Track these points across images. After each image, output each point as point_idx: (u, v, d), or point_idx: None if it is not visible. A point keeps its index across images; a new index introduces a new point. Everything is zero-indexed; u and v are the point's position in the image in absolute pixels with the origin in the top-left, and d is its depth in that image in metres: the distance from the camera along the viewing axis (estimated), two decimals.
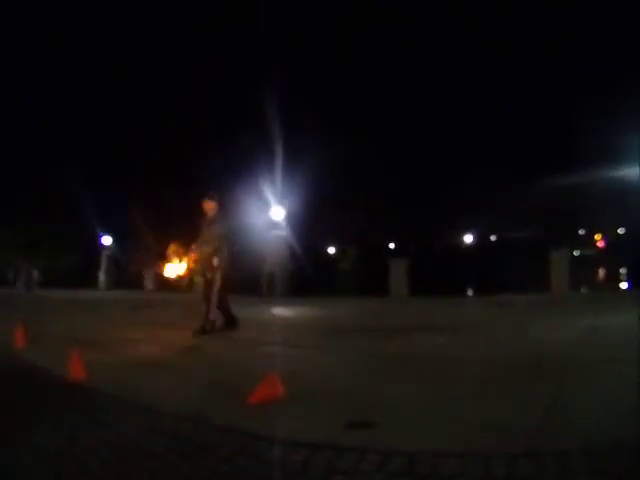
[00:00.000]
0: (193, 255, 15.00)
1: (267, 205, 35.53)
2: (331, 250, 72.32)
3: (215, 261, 14.05)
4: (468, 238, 79.81)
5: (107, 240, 52.81)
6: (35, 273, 51.82)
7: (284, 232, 34.86)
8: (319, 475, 4.51)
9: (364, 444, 5.11)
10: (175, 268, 14.03)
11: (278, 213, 35.08)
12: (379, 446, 5.03)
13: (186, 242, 15.24)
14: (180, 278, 14.23)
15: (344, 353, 10.73)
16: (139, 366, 10.03)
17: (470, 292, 30.40)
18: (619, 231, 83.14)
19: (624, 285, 35.64)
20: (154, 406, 6.94)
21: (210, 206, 14.65)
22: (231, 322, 14.64)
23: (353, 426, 5.73)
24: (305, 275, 34.55)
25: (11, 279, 45.68)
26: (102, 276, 51.76)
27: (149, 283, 45.23)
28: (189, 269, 15.08)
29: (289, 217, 35.98)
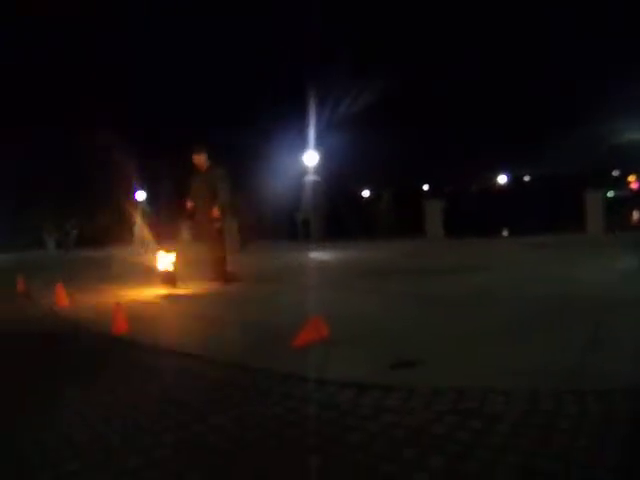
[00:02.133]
0: (190, 211, 14.74)
1: (301, 150, 35.45)
2: (366, 193, 72.06)
3: (215, 212, 13.96)
4: (502, 179, 79.26)
5: (141, 195, 53.04)
6: (73, 233, 52.28)
7: (318, 177, 34.80)
8: (368, 414, 4.55)
9: (411, 383, 5.16)
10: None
11: (312, 158, 35.00)
12: (426, 384, 5.07)
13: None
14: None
15: (384, 295, 10.74)
16: (179, 317, 10.22)
17: (505, 233, 30.22)
18: None
19: None
20: (199, 355, 7.02)
21: (201, 159, 14.52)
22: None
23: (399, 365, 5.76)
24: (340, 219, 34.52)
25: (46, 241, 46.01)
26: (137, 231, 52.09)
27: (184, 234, 45.53)
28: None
29: (323, 162, 35.90)
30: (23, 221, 52.56)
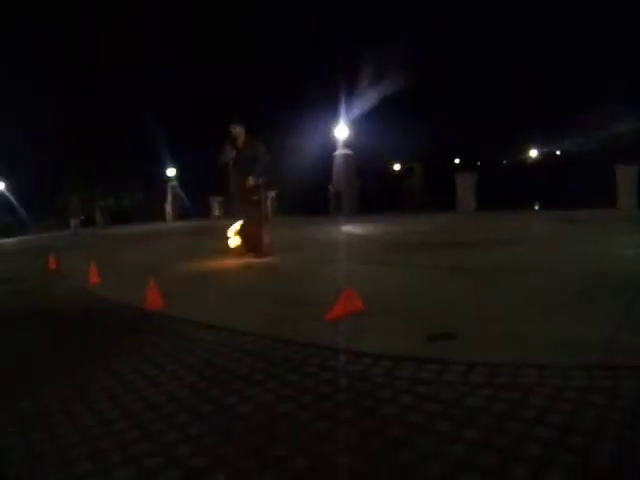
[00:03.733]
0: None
1: (332, 124, 35.41)
2: (397, 167, 71.82)
3: (251, 180, 13.98)
4: (533, 152, 78.60)
5: (171, 172, 53.20)
6: (107, 210, 52.72)
7: (349, 151, 34.78)
8: (404, 386, 4.57)
9: (446, 356, 5.18)
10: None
11: (343, 132, 34.97)
12: (460, 358, 5.09)
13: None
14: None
15: (416, 268, 10.76)
16: (212, 290, 10.24)
17: (537, 207, 30.09)
18: None
19: None
20: (234, 327, 7.06)
21: (238, 130, 14.53)
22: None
23: (434, 339, 5.78)
24: (372, 193, 34.50)
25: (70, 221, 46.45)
26: (168, 208, 52.38)
27: (216, 210, 45.74)
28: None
29: (354, 135, 35.85)
30: (53, 202, 52.96)
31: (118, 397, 5.02)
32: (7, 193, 55.60)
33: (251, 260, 13.69)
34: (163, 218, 51.99)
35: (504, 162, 71.09)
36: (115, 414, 4.63)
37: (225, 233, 14.95)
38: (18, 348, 7.35)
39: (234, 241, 14.33)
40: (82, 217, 49.47)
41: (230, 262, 13.73)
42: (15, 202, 52.10)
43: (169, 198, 53.04)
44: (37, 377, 5.90)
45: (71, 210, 40.76)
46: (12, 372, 6.25)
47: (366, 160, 38.03)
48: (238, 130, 14.32)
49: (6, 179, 57.33)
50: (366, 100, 41.12)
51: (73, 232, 36.54)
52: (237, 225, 14.37)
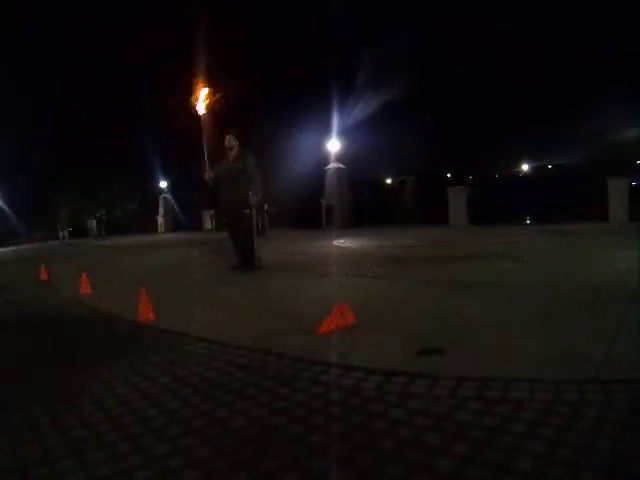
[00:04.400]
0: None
1: (324, 137, 35.52)
2: (389, 180, 72.03)
3: (251, 198, 13.91)
4: (525, 166, 78.99)
5: (163, 184, 53.32)
6: (93, 223, 52.71)
7: (341, 164, 34.87)
8: (394, 400, 4.59)
9: (436, 370, 5.21)
10: None
11: (335, 145, 35.07)
12: (451, 372, 5.12)
13: None
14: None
15: (408, 282, 10.77)
16: (204, 303, 10.24)
17: (528, 221, 30.20)
18: None
19: None
20: (226, 341, 7.07)
21: (234, 143, 14.49)
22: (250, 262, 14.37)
23: (424, 353, 5.81)
24: (364, 206, 34.57)
25: (58, 232, 46.54)
26: (160, 220, 52.49)
27: (208, 223, 45.86)
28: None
29: (346, 149, 35.96)
30: (43, 214, 53.06)
31: (109, 409, 5.02)
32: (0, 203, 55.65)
33: (243, 273, 13.70)
34: (155, 230, 52.05)
35: (496, 176, 71.28)
36: (106, 426, 4.63)
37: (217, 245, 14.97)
38: (5, 359, 7.35)
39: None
40: (70, 228, 49.61)
41: (222, 276, 13.74)
42: (7, 211, 52.10)
43: (161, 210, 53.15)
44: (26, 388, 5.91)
45: (60, 221, 40.82)
46: (4, 384, 6.23)
47: (358, 173, 38.13)
48: (233, 143, 14.31)
49: None
50: (358, 113, 41.26)
51: (62, 242, 36.56)
52: None
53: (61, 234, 40.95)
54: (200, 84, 14.76)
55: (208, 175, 14.50)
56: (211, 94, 14.72)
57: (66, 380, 6.00)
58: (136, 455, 4.04)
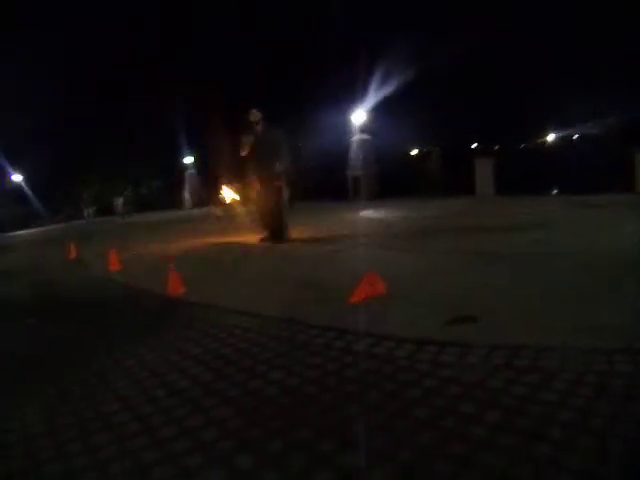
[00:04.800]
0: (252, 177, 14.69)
1: (350, 109, 35.37)
2: (414, 152, 71.66)
3: (278, 167, 14.02)
4: (551, 136, 78.23)
5: (189, 159, 53.29)
6: (120, 201, 52.96)
7: (367, 135, 34.73)
8: (426, 369, 4.62)
9: (467, 339, 5.23)
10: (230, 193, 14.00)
11: (360, 117, 34.92)
12: (481, 341, 5.13)
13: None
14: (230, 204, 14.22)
15: (437, 253, 10.71)
16: (234, 275, 10.31)
17: (555, 191, 29.93)
18: None
19: None
20: (256, 312, 7.12)
21: (258, 115, 14.45)
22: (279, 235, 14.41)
23: (455, 321, 5.83)
24: (390, 177, 34.41)
25: (83, 211, 46.86)
26: (187, 195, 52.56)
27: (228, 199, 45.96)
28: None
29: (371, 120, 35.79)
30: (68, 193, 53.35)
31: (141, 381, 5.11)
32: (24, 185, 55.88)
33: (272, 245, 13.75)
34: (181, 206, 52.12)
35: (522, 146, 70.61)
36: (139, 399, 4.70)
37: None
38: (44, 335, 7.43)
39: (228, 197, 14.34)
40: (94, 207, 49.83)
41: (250, 248, 13.80)
42: (31, 194, 52.27)
43: (187, 186, 53.16)
44: (62, 363, 6.00)
45: (84, 201, 41.07)
46: (37, 358, 6.33)
47: (384, 144, 37.87)
48: (256, 116, 14.30)
49: (23, 171, 57.60)
50: (384, 86, 41.04)
51: (87, 221, 36.79)
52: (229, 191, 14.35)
53: (86, 213, 41.18)
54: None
55: (243, 149, 14.50)
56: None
57: (100, 357, 6.05)
58: (169, 426, 4.11)
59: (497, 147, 63.22)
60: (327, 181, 35.88)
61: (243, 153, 14.50)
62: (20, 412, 4.70)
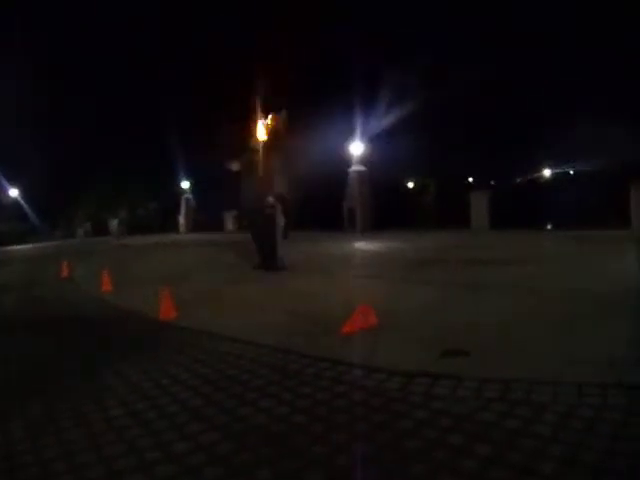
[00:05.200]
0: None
1: (347, 140, 35.47)
2: (410, 184, 71.91)
3: (270, 200, 13.97)
4: (547, 172, 78.66)
5: (185, 184, 53.42)
6: (115, 222, 53.27)
7: (364, 167, 34.82)
8: (418, 401, 4.59)
9: (459, 372, 5.21)
10: None
11: (357, 148, 35.02)
12: (474, 374, 5.11)
13: None
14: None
15: (430, 284, 10.74)
16: (226, 302, 10.30)
17: (550, 226, 30.06)
18: None
19: None
20: (248, 339, 7.10)
21: (275, 120, 14.46)
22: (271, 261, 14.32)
23: (447, 355, 5.82)
24: (385, 209, 34.49)
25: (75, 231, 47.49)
26: (182, 220, 52.61)
27: (229, 224, 45.91)
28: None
29: (368, 152, 35.90)
30: (63, 213, 53.75)
31: (130, 404, 5.07)
32: (20, 200, 56.06)
33: (265, 272, 13.72)
34: (176, 230, 52.19)
35: (518, 180, 70.86)
36: (127, 421, 4.67)
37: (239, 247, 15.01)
38: (31, 354, 7.42)
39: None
40: (87, 226, 50.12)
41: (244, 275, 13.77)
42: (28, 209, 52.39)
43: (183, 210, 53.25)
44: (48, 382, 5.99)
45: (78, 219, 41.32)
46: (23, 377, 6.31)
47: (380, 176, 37.99)
48: (281, 118, 14.25)
49: (19, 186, 57.78)
50: (382, 118, 41.16)
51: (81, 240, 36.95)
52: None
53: (79, 231, 41.46)
54: (262, 112, 14.59)
55: (231, 165, 14.50)
56: (274, 119, 14.58)
57: (88, 377, 6.04)
58: (156, 450, 4.06)
59: (493, 182, 63.45)
60: (322, 211, 35.93)
61: (231, 167, 14.50)
62: (2, 429, 4.69)
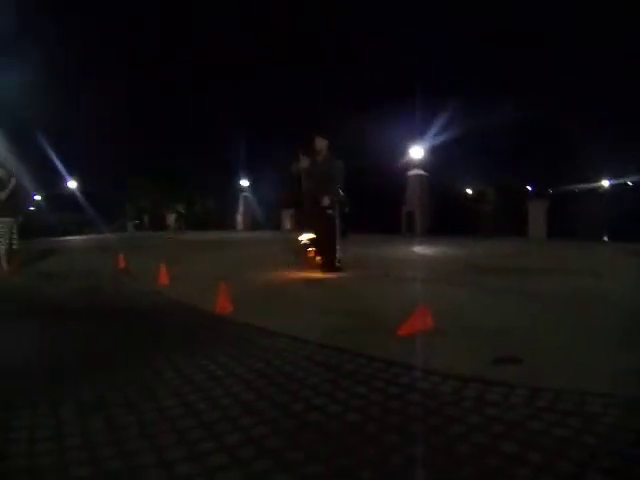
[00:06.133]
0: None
1: (407, 144, 35.42)
2: (469, 190, 71.58)
3: (326, 200, 14.06)
4: (605, 182, 77.90)
5: (245, 182, 53.64)
6: (173, 217, 53.82)
7: (423, 171, 34.74)
8: (471, 406, 4.59)
9: (511, 379, 5.20)
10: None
11: (418, 152, 34.96)
12: (526, 382, 5.10)
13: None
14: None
15: (487, 291, 10.76)
16: (283, 300, 10.37)
17: (606, 237, 29.77)
18: None
19: None
20: (304, 337, 7.12)
21: (322, 144, 14.52)
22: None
23: (500, 361, 5.81)
24: (443, 215, 34.39)
25: (127, 224, 48.21)
26: (239, 217, 52.87)
27: (287, 223, 46.02)
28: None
29: (428, 156, 35.82)
30: (119, 205, 54.61)
31: (183, 395, 5.13)
32: (77, 192, 56.82)
33: (323, 274, 13.81)
34: (233, 227, 52.44)
35: (576, 190, 70.16)
36: (179, 411, 4.73)
37: (296, 243, 15.04)
38: (85, 342, 7.53)
39: (305, 240, 14.39)
40: (137, 221, 50.80)
41: (301, 274, 13.88)
42: (84, 201, 52.96)
43: (241, 208, 53.49)
44: (101, 369, 6.08)
45: (129, 214, 41.96)
46: (77, 363, 6.41)
47: (439, 181, 37.93)
48: (322, 144, 14.36)
49: (78, 178, 58.56)
50: (446, 125, 41.06)
51: (130, 234, 37.39)
52: (308, 236, 14.45)
53: (129, 225, 42.08)
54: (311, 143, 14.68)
55: (295, 167, 14.60)
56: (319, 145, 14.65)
57: (142, 367, 6.13)
58: (209, 441, 4.11)
59: (551, 190, 62.90)
60: (380, 214, 35.91)
61: (295, 171, 14.62)
62: (54, 412, 4.77)
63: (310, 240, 14.32)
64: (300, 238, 14.51)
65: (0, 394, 5.24)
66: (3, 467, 3.80)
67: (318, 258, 14.39)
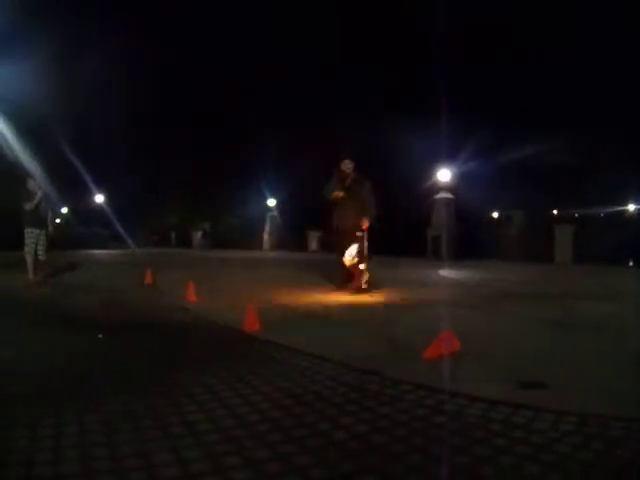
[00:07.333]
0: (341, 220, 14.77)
1: (433, 168, 35.43)
2: (495, 214, 71.51)
3: (364, 222, 14.18)
4: (631, 207, 77.61)
5: (272, 202, 53.76)
6: (199, 234, 54.31)
7: (450, 195, 34.70)
8: (498, 429, 4.62)
9: (537, 403, 5.22)
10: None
11: (444, 175, 34.93)
12: (551, 406, 5.12)
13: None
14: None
15: (512, 316, 10.73)
16: (308, 320, 10.42)
17: (631, 262, 29.60)
18: None
19: None
20: (330, 357, 7.14)
21: (350, 166, 14.61)
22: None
23: (526, 386, 5.84)
24: (470, 238, 34.31)
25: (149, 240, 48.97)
26: (266, 237, 52.97)
27: (313, 244, 46.05)
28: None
29: (455, 180, 35.79)
30: (144, 221, 55.18)
31: (210, 411, 5.18)
32: (105, 207, 57.26)
33: (348, 295, 13.83)
34: (259, 247, 52.54)
35: (602, 215, 69.93)
36: (205, 426, 4.78)
37: (339, 262, 15.04)
38: (113, 354, 7.63)
39: (349, 258, 14.44)
40: (156, 237, 51.33)
41: (327, 296, 13.90)
42: (111, 215, 53.30)
43: (267, 227, 53.60)
44: (128, 382, 6.17)
45: (150, 231, 42.52)
46: (105, 375, 6.52)
47: (465, 205, 37.86)
48: (349, 166, 14.44)
49: (106, 192, 59.00)
50: (470, 145, 41.09)
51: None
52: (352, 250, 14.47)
53: (151, 241, 42.63)
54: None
55: (329, 192, 14.66)
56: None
57: (168, 381, 6.21)
58: (234, 456, 4.16)
59: (577, 214, 62.73)
60: (406, 237, 35.88)
61: (326, 196, 14.68)
62: (79, 421, 4.86)
63: (357, 254, 14.33)
64: (347, 255, 14.49)
65: (27, 404, 5.32)
66: (30, 475, 3.86)
67: (346, 280, 14.45)
